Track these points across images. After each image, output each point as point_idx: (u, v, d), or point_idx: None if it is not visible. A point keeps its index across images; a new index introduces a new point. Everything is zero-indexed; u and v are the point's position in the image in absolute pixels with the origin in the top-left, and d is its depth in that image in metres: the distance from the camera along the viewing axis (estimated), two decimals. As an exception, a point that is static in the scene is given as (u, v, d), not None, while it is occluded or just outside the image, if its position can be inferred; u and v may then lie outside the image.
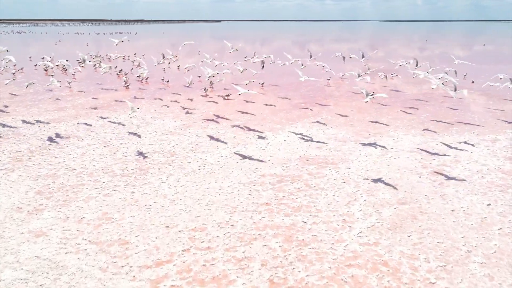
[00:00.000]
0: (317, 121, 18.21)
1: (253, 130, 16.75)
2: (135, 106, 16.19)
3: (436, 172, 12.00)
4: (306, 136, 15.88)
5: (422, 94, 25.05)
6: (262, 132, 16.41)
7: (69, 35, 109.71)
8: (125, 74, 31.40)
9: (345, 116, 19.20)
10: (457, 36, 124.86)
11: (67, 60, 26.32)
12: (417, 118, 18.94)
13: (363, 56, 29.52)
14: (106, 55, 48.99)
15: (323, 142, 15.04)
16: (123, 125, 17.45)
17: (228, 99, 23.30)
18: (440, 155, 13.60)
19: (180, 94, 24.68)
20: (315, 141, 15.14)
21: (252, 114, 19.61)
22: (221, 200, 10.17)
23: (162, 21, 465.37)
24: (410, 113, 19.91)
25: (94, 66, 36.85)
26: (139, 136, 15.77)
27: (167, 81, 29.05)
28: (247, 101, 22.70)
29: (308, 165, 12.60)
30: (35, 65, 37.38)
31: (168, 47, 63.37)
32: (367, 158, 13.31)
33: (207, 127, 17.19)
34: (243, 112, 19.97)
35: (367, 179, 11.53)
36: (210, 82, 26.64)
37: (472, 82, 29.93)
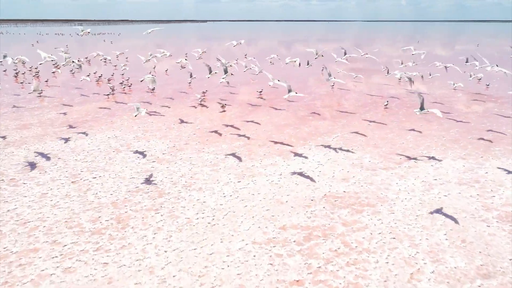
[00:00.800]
0: (333, 140, 15.34)
1: (259, 154, 13.76)
2: (142, 109, 13.73)
3: (505, 218, 9.23)
4: (325, 162, 12.97)
5: (437, 97, 22.42)
6: (270, 157, 13.44)
7: (49, 36, 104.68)
8: (108, 81, 28.00)
9: (364, 133, 16.37)
10: (446, 36, 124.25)
11: (78, 60, 23.21)
12: (447, 133, 16.26)
13: (345, 54, 26.69)
14: (86, 58, 45.37)
15: (348, 171, 12.15)
16: (99, 149, 14.24)
17: (224, 110, 20.25)
18: (498, 189, 10.85)
19: (169, 107, 21.52)
20: (338, 170, 12.24)
21: (254, 131, 16.63)
22: (232, 277, 7.16)
23: (147, 21, 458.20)
24: (436, 126, 17.23)
25: (71, 70, 33.37)
26: (118, 165, 12.61)
27: (153, 89, 25.79)
28: (245, 113, 19.70)
29: (339, 209, 9.69)
30: (4, 70, 33.65)
31: (153, 48, 59.74)
32: (410, 196, 10.47)
33: (202, 150, 14.13)
34: (242, 129, 16.97)
35: (422, 231, 8.67)
36: (203, 92, 23.55)
37: (487, 86, 27.61)
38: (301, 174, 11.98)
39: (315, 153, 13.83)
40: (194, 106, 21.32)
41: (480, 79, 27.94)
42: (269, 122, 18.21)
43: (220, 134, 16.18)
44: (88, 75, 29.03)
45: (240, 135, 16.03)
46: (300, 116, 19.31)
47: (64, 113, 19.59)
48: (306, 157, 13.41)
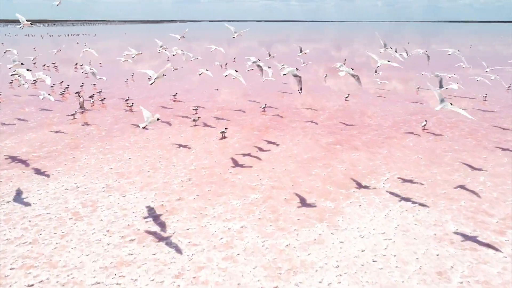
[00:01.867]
0: (385, 187, 11.04)
1: (291, 219, 9.30)
2: (152, 116, 11.30)
3: None
4: (394, 234, 8.64)
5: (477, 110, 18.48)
6: (309, 225, 9.01)
7: (18, 37, 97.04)
8: (77, 94, 22.94)
9: (420, 173, 12.18)
10: (432, 36, 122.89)
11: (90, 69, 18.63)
12: (526, 172, 12.18)
13: (301, 51, 22.75)
14: (54, 63, 39.81)
15: (437, 255, 7.85)
16: (48, 213, 9.47)
17: (225, 137, 15.72)
18: None
19: (151, 127, 16.79)
20: (421, 252, 7.97)
21: (272, 171, 12.18)
22: None
23: (125, 21, 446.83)
24: (507, 158, 13.21)
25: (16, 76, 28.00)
26: (74, 252, 7.91)
27: (130, 105, 20.92)
28: (251, 139, 15.22)
29: None
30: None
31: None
32: None
33: (204, 213, 9.57)
34: (254, 167, 12.50)
35: None
36: (195, 110, 18.92)
37: (509, 87, 24.08)
38: (362, 258, 7.60)
39: (371, 215, 9.47)
40: (184, 127, 16.67)
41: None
42: (287, 154, 13.78)
43: (226, 179, 11.64)
44: (51, 88, 23.97)
45: (253, 180, 11.54)
46: (324, 144, 14.95)
47: (9, 145, 14.58)
48: (362, 224, 9.04)
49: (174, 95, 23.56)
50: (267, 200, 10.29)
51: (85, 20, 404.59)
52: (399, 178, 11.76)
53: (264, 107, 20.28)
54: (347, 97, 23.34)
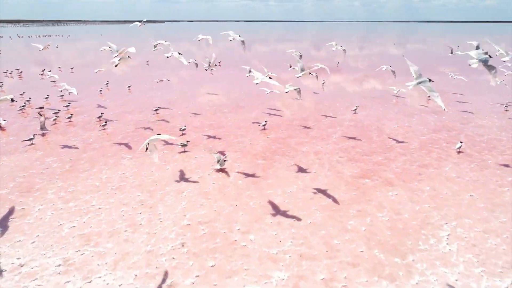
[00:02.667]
0: (451, 250, 8.15)
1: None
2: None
3: None
4: None
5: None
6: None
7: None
8: (40, 109, 19.21)
9: (488, 225, 9.32)
10: (413, 36, 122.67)
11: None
12: None
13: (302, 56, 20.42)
14: (18, 69, 35.47)
15: None
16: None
17: (222, 168, 12.51)
18: None
19: (128, 156, 13.44)
20: None
21: (295, 227, 9.10)
22: None
23: (101, 21, 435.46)
24: None
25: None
26: None
27: (104, 124, 17.39)
28: (256, 172, 12.07)
29: None
30: None
31: (104, 54, 50.05)
32: None
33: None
34: (269, 220, 9.37)
35: None
36: (182, 131, 15.54)
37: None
38: None
39: (455, 309, 6.50)
40: (170, 155, 13.36)
41: None
42: (306, 196, 10.71)
43: (234, 242, 8.48)
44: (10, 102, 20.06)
45: (272, 242, 8.42)
46: (348, 178, 11.95)
47: None
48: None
49: (156, 110, 20.15)
50: (298, 282, 7.18)
51: (59, 20, 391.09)
52: (462, 233, 8.86)
53: (264, 125, 17.13)
54: (355, 109, 20.50)
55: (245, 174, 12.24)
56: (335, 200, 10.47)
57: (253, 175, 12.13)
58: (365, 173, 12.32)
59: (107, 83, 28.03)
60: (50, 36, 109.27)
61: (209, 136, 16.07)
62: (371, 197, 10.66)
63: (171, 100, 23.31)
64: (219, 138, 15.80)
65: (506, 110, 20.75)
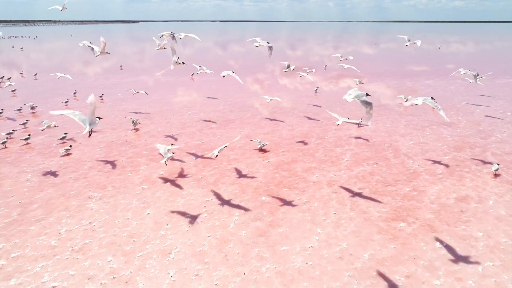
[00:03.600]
0: None
1: None
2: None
3: None
4: None
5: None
6: None
7: None
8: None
9: None
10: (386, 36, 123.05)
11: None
12: None
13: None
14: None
15: None
16: None
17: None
18: None
19: (97, 195, 10.57)
20: None
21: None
22: None
23: (72, 21, 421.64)
24: None
25: None
26: None
27: (69, 148, 14.31)
28: (262, 213, 9.47)
29: None
30: None
31: (75, 58, 45.89)
32: None
33: None
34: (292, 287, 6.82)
35: None
36: (169, 150, 12.64)
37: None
38: None
39: None
40: (152, 189, 10.57)
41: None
42: (333, 254, 8.22)
43: None
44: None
45: None
46: (380, 222, 9.53)
47: None
48: None
49: (134, 125, 17.22)
50: None
51: (27, 21, 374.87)
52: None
53: (262, 146, 14.53)
54: (359, 122, 18.21)
55: (248, 218, 9.62)
56: (372, 259, 8.01)
57: (259, 220, 9.54)
58: (396, 212, 9.94)
59: (75, 93, 24.70)
60: (16, 37, 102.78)
61: (198, 162, 13.34)
62: (416, 252, 8.26)
63: (149, 113, 20.35)
64: (209, 165, 13.09)
65: (520, 120, 18.99)
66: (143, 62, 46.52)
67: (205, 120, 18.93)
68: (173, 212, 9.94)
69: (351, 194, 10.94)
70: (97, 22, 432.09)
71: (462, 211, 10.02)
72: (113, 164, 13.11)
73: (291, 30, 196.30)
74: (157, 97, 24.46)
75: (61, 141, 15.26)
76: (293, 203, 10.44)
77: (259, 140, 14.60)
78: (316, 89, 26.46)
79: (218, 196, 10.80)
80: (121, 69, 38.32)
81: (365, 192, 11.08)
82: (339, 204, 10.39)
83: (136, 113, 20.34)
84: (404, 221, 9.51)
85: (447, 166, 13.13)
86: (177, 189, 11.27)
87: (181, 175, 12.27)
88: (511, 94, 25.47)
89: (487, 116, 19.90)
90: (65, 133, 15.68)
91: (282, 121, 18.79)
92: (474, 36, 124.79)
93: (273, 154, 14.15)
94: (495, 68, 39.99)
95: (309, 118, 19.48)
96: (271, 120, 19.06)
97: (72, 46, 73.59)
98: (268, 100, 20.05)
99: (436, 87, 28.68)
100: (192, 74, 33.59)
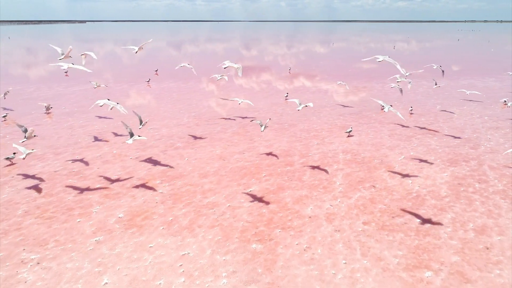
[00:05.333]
0: None
1: None
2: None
3: None
4: None
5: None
6: None
7: None
8: None
9: None
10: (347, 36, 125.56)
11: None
12: None
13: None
14: None
15: None
16: None
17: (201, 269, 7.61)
18: None
19: (34, 256, 7.91)
20: None
21: None
22: None
23: (11, 22, 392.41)
24: None
25: None
26: None
27: (10, 159, 11.32)
28: (255, 270, 7.39)
29: None
30: None
31: (12, 62, 40.35)
32: None
33: None
34: None
35: None
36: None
37: None
38: None
39: None
40: (110, 243, 8.11)
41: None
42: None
43: None
44: None
45: None
46: (399, 271, 7.81)
47: None
48: None
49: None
50: None
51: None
52: None
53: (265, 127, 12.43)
54: (350, 131, 16.80)
55: (240, 281, 7.48)
56: (409, 335, 6.19)
57: (254, 282, 7.42)
58: (416, 255, 8.27)
59: (5, 116, 20.87)
60: None
61: (165, 196, 10.95)
62: (458, 317, 6.57)
63: (101, 131, 17.45)
64: (181, 200, 10.75)
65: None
66: (92, 66, 42.53)
67: (169, 137, 16.44)
68: (139, 278, 7.55)
69: (356, 233, 9.14)
70: (39, 22, 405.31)
71: (487, 248, 8.56)
72: (56, 206, 10.37)
73: (246, 30, 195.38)
74: (109, 110, 21.42)
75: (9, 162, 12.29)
76: (292, 251, 8.43)
77: (259, 122, 14.52)
78: (286, 96, 24.71)
79: (197, 247, 8.55)
80: (66, 75, 34.31)
81: (372, 228, 9.33)
82: (347, 248, 8.54)
83: (85, 130, 17.37)
84: (429, 269, 7.84)
85: (449, 185, 11.78)
86: (142, 239, 8.86)
87: (146, 217, 9.84)
88: (479, 95, 25.30)
89: (467, 121, 19.18)
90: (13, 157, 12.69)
91: (257, 135, 16.77)
92: (422, 35, 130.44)
93: (255, 181, 12.06)
94: (458, 66, 40.68)
95: (286, 130, 17.63)
96: (244, 134, 16.96)
97: (10, 49, 66.77)
98: (240, 102, 18.56)
99: (405, 89, 28.03)
100: (148, 80, 30.60)
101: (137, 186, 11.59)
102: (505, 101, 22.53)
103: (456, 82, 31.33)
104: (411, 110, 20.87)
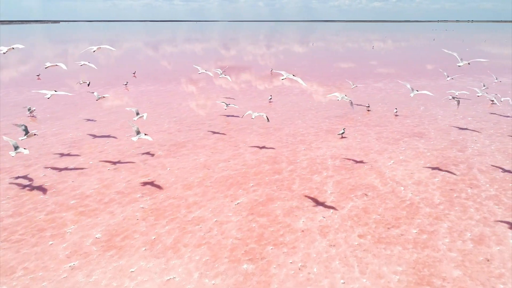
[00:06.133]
0: None
1: None
2: None
3: None
4: None
5: None
6: None
7: None
8: None
9: None
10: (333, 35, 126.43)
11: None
12: None
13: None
14: None
15: None
16: None
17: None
18: None
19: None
20: None
21: None
22: None
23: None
24: None
25: None
26: None
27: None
28: (247, 284, 6.84)
29: None
30: None
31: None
32: None
33: None
34: None
35: None
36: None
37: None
38: None
39: None
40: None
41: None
42: None
43: None
44: None
45: None
46: (402, 290, 7.34)
47: None
48: None
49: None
50: None
51: None
52: None
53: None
54: (343, 132, 16.51)
55: (232, 309, 6.84)
56: None
57: (247, 310, 6.80)
58: (417, 271, 7.84)
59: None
60: None
61: (147, 212, 10.18)
62: None
63: (75, 139, 16.41)
64: (164, 216, 10.01)
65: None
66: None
67: (149, 145, 15.59)
68: (120, 309, 6.81)
69: (353, 247, 8.65)
70: (10, 22, 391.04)
71: (488, 260, 8.24)
72: (25, 227, 9.44)
73: (224, 30, 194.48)
74: (85, 115, 20.35)
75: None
76: (286, 270, 7.86)
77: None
78: (270, 98, 24.17)
79: (183, 270, 7.85)
80: (39, 79, 32.68)
81: (369, 242, 8.87)
82: (344, 265, 8.03)
83: (59, 139, 16.30)
84: (432, 286, 7.43)
85: (441, 191, 11.49)
86: (122, 262, 8.09)
87: (127, 236, 9.06)
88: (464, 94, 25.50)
89: (451, 122, 19.14)
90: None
91: (242, 141, 16.14)
92: (398, 35, 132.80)
93: (242, 191, 11.44)
94: (439, 65, 41.19)
95: (271, 134, 17.08)
96: (229, 140, 16.30)
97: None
98: (225, 108, 19.04)
99: (388, 90, 28.04)
100: (126, 84, 29.44)
101: (115, 201, 10.76)
102: (492, 100, 22.79)
103: (436, 82, 31.60)
104: (396, 112, 20.70)
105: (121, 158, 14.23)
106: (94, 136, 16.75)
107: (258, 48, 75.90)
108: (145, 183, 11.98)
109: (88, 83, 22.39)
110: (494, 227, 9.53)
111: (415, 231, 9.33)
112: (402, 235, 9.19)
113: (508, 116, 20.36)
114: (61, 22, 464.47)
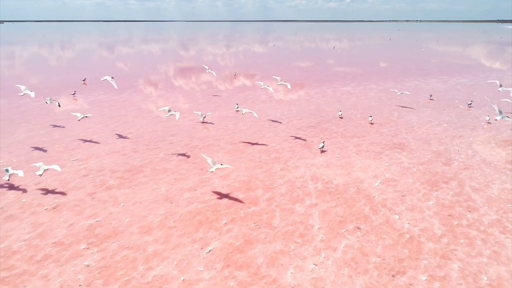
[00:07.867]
0: None
1: None
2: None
3: None
4: None
5: None
6: None
7: None
8: None
9: None
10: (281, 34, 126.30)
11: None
12: None
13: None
14: None
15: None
16: None
17: None
18: None
19: None
20: None
21: None
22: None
23: None
24: None
25: None
26: None
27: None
28: None
29: None
30: None
31: None
32: None
33: None
34: None
35: None
36: None
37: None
38: None
39: None
40: None
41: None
42: None
43: None
44: None
45: None
46: None
47: None
48: None
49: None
50: None
51: None
52: None
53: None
54: (323, 146, 14.96)
55: None
56: None
57: None
58: None
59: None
60: None
61: (93, 274, 7.95)
62: None
63: (6, 166, 13.57)
64: (115, 277, 7.83)
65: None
66: (5, 73, 36.28)
67: (99, 172, 13.16)
68: None
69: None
70: None
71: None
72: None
73: (182, 30, 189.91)
74: (21, 134, 17.36)
75: None
76: None
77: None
78: (237, 107, 22.25)
79: None
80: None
81: None
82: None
83: (-15, 169, 13.42)
84: None
85: (440, 218, 10.19)
86: None
87: (64, 314, 6.81)
88: (427, 97, 25.01)
89: (428, 130, 18.26)
90: None
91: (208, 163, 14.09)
92: (354, 35, 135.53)
93: (214, 233, 9.47)
94: (398, 66, 41.18)
95: (241, 152, 15.21)
96: (193, 161, 14.22)
97: None
98: (201, 119, 18.66)
99: (358, 95, 27.08)
100: (74, 93, 26.25)
101: (52, 258, 8.41)
102: (469, 104, 22.83)
103: (402, 85, 31.20)
104: (371, 120, 19.55)
105: (63, 188, 11.77)
106: (29, 160, 14.00)
107: (218, 48, 73.82)
108: (92, 228, 9.67)
109: (58, 104, 19.42)
110: (509, 265, 8.28)
111: (425, 278, 7.85)
112: (410, 284, 7.67)
113: (478, 118, 19.84)
114: (5, 23, 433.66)
